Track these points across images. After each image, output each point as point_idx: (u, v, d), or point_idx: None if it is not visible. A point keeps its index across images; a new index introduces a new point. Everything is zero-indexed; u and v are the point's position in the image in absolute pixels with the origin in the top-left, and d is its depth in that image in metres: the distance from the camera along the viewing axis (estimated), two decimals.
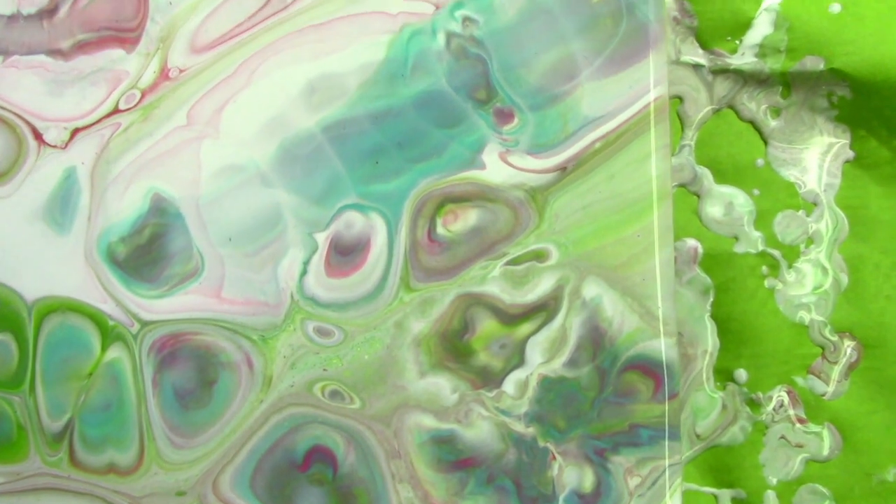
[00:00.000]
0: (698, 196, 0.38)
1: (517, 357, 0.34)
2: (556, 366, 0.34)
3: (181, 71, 0.34)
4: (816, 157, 0.37)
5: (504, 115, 0.34)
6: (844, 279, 0.37)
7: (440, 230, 0.34)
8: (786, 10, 0.36)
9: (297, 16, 0.34)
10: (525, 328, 0.34)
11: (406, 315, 0.34)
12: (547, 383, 0.34)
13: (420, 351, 0.34)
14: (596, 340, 0.34)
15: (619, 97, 0.33)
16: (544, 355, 0.34)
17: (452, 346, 0.34)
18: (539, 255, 0.34)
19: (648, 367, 0.34)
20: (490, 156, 0.33)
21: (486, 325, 0.34)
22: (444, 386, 0.34)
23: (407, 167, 0.33)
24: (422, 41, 0.34)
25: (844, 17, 0.36)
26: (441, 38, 0.34)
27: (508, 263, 0.34)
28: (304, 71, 0.33)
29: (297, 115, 0.33)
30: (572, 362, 0.34)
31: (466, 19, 0.34)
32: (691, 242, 0.37)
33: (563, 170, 0.33)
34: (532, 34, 0.33)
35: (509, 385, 0.34)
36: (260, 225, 0.33)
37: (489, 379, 0.34)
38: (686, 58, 0.37)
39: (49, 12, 0.34)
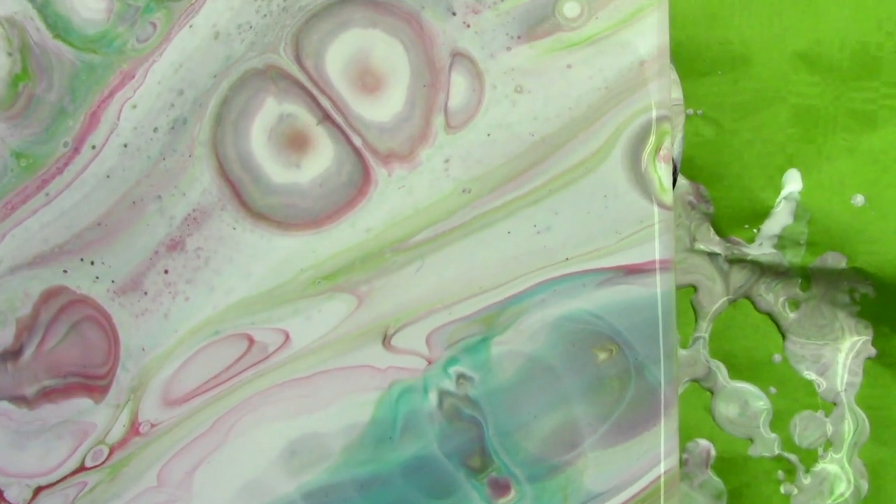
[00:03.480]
0: (711, 392, 0.36)
1: None
2: None
3: (152, 426, 0.31)
4: (837, 353, 0.36)
5: (499, 487, 0.31)
6: (865, 486, 0.37)
7: None
8: (806, 201, 0.35)
9: (277, 368, 0.31)
10: None
11: None
12: None
13: None
14: None
15: (625, 470, 0.31)
16: None
17: None
18: None
19: None
20: None
21: None
22: None
23: None
24: (412, 400, 0.31)
25: (867, 212, 0.35)
26: (433, 398, 0.31)
27: None
28: (284, 430, 0.31)
29: (275, 479, 0.31)
30: None
31: (461, 377, 0.31)
32: (703, 444, 0.36)
33: None
34: (532, 395, 0.31)
35: None
36: None
37: None
38: (701, 245, 0.36)
39: (13, 353, 0.32)
